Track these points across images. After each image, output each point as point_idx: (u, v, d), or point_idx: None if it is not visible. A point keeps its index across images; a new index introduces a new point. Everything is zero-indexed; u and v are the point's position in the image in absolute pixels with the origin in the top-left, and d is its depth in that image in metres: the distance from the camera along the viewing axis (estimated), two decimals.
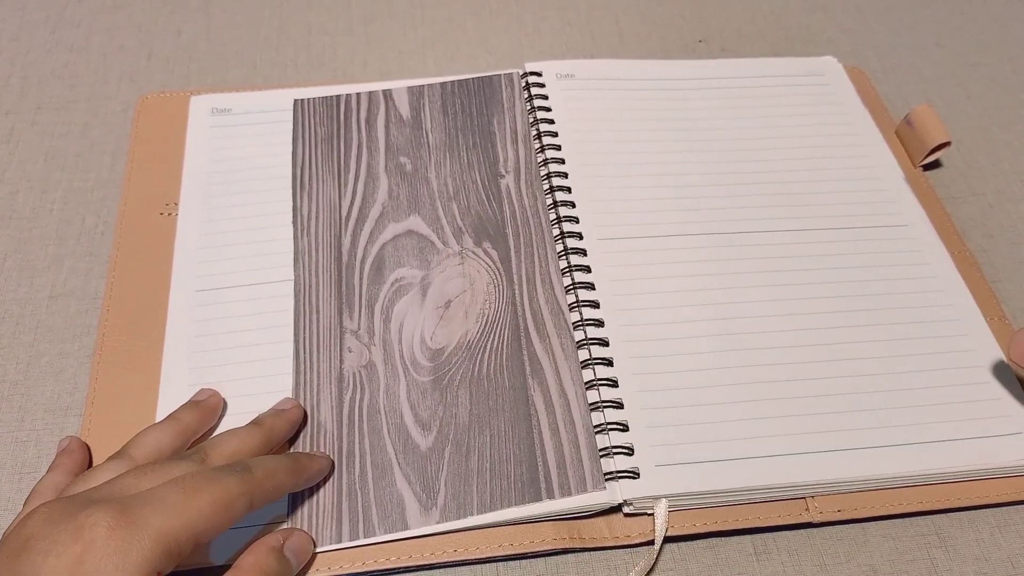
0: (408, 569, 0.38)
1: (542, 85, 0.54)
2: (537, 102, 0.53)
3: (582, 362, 0.42)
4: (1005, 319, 0.47)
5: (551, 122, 0.52)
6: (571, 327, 0.44)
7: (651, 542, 0.38)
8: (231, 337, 0.43)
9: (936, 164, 0.55)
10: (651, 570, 0.39)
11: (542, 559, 0.39)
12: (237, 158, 0.50)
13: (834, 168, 0.52)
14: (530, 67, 0.55)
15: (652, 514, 0.39)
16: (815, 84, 0.56)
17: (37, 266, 0.48)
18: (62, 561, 0.28)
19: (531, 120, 0.52)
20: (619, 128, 0.52)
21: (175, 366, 0.42)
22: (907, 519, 0.41)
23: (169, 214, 0.48)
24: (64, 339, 0.45)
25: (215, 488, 0.32)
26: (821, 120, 0.54)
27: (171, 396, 0.41)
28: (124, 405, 0.42)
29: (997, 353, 0.45)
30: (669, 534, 0.39)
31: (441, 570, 0.38)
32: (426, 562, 0.38)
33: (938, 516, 0.41)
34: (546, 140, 0.51)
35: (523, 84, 0.54)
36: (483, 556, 0.38)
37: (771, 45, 0.62)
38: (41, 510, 0.31)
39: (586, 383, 0.42)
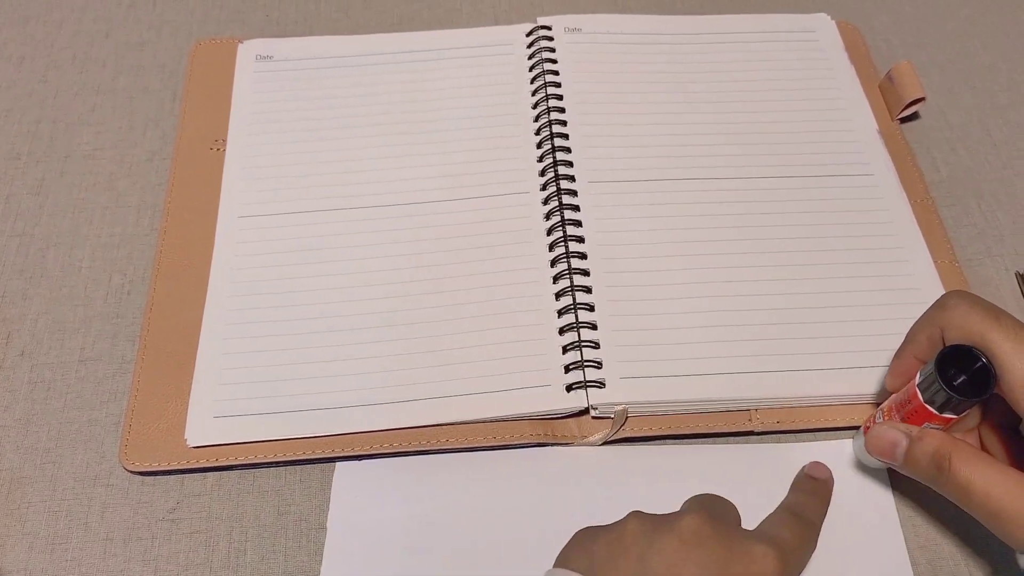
0: (408, 453, 0.45)
1: (551, 38, 0.59)
2: (544, 54, 0.58)
3: (564, 289, 0.49)
4: (955, 262, 0.53)
5: (556, 73, 0.57)
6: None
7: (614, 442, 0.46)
8: (265, 258, 0.51)
9: (915, 116, 0.60)
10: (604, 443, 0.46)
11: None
12: (277, 100, 0.57)
13: (812, 120, 0.57)
14: (542, 21, 0.60)
15: (613, 418, 0.46)
16: (806, 40, 0.61)
17: (68, 328, 0.50)
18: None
19: (537, 71, 0.58)
20: (618, 80, 0.58)
21: (219, 277, 0.50)
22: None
23: (218, 149, 0.55)
24: (93, 406, 0.48)
25: None
26: (806, 75, 0.59)
27: (214, 306, 0.49)
28: (178, 303, 0.49)
29: (939, 291, 0.50)
30: (631, 435, 0.46)
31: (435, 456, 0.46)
32: (422, 448, 0.45)
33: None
34: (550, 91, 0.57)
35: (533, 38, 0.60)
36: (471, 445, 0.45)
37: None
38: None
39: (566, 307, 0.48)
